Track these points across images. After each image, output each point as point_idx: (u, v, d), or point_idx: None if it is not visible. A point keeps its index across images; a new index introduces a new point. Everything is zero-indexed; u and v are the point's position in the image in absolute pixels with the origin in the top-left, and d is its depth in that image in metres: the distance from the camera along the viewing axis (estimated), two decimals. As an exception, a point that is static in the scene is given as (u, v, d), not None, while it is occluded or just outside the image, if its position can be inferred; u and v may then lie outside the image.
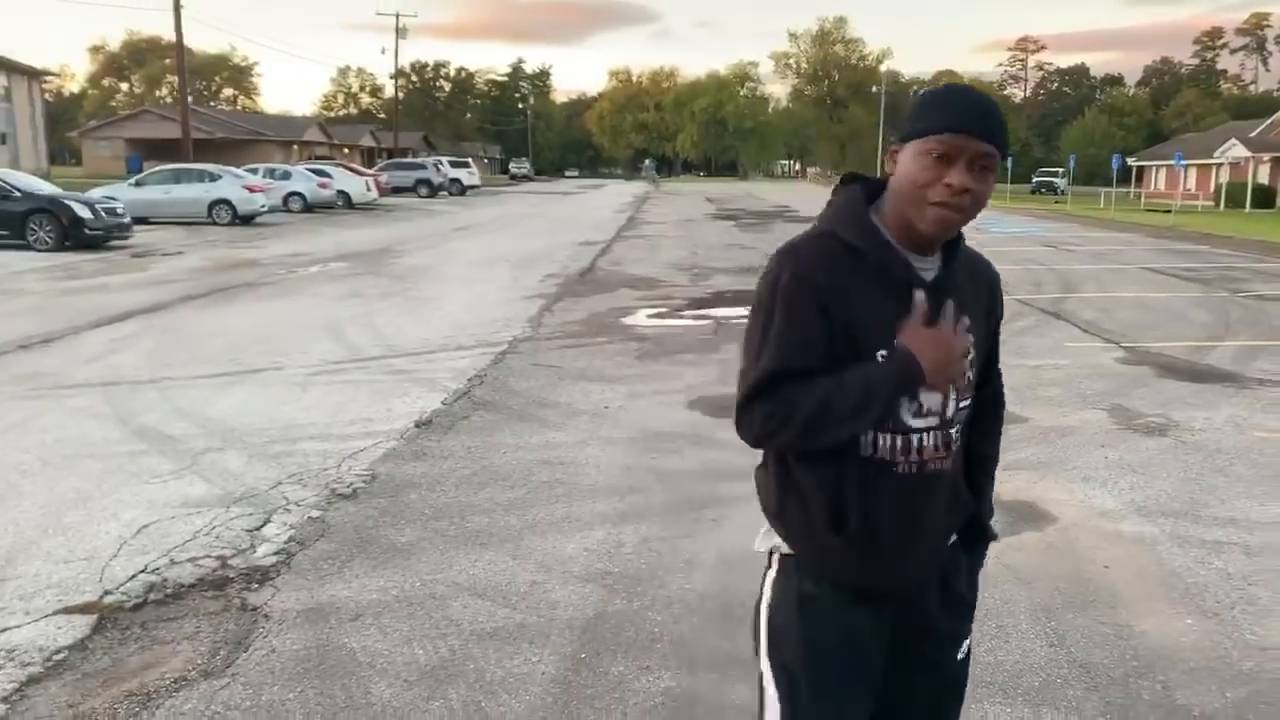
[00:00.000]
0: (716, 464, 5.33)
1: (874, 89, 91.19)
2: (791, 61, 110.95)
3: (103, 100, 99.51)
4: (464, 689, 3.04)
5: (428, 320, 10.16)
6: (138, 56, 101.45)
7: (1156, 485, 4.96)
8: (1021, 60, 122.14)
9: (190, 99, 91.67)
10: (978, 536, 1.82)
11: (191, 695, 3.01)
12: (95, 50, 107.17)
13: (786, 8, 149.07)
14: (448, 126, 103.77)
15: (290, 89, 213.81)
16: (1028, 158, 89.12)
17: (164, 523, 4.39)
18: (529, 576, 3.86)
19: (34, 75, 41.88)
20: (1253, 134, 46.82)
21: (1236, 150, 44.91)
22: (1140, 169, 57.10)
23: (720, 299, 12.11)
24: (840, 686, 1.68)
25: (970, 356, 1.63)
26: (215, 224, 24.78)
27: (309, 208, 31.10)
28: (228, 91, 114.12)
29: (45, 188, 19.19)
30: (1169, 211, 35.65)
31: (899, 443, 1.61)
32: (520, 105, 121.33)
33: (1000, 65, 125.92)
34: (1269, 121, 47.94)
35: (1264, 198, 42.65)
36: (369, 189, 34.26)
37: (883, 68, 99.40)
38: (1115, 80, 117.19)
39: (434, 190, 43.85)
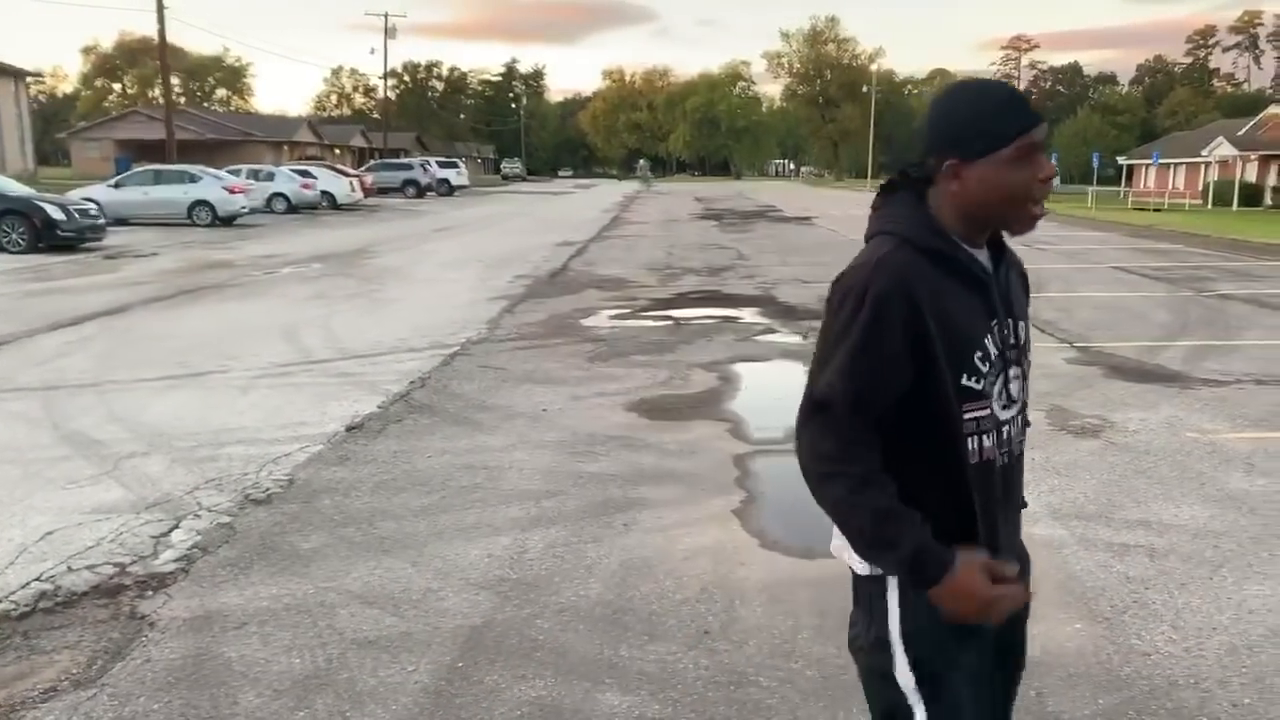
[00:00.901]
0: (641, 467, 5.31)
1: (865, 89, 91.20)
2: (784, 61, 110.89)
3: (96, 101, 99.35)
4: (332, 699, 3.02)
5: (385, 322, 10.13)
6: (130, 57, 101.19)
7: (1077, 488, 4.94)
8: (1015, 59, 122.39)
9: (183, 100, 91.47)
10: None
11: (56, 706, 2.98)
12: (88, 51, 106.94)
13: (788, 5, 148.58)
14: (441, 127, 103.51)
15: (285, 90, 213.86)
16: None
17: (70, 529, 4.36)
18: (425, 584, 3.83)
19: (19, 76, 41.68)
20: (1240, 133, 46.80)
21: (1224, 149, 44.92)
22: (1131, 168, 57.14)
23: (684, 300, 12.09)
24: (981, 679, 1.67)
25: (1028, 337, 1.70)
26: (195, 225, 24.74)
27: (293, 209, 31.08)
28: (221, 93, 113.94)
29: (18, 189, 19.12)
30: (1158, 210, 35.73)
31: (995, 439, 1.63)
32: (514, 105, 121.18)
33: (993, 64, 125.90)
34: (1256, 120, 47.94)
35: (1251, 196, 42.71)
36: (354, 189, 34.23)
37: (874, 67, 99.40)
38: (1108, 79, 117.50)
39: (421, 191, 43.84)
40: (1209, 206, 43.18)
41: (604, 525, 4.45)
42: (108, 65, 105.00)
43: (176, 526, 4.43)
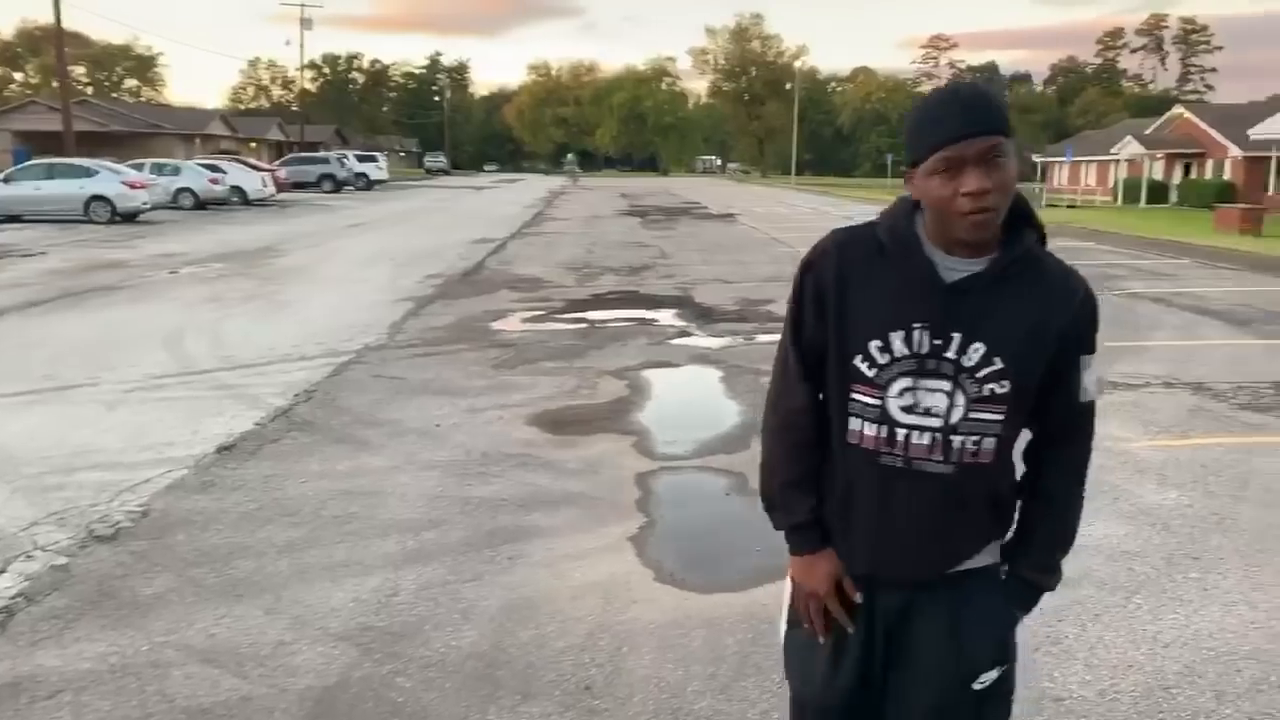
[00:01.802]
0: (537, 490, 4.95)
1: (789, 86, 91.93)
2: (709, 57, 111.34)
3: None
4: (146, 787, 2.61)
5: (280, 327, 9.58)
6: (33, 45, 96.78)
7: (990, 505, 4.73)
8: (934, 58, 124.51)
9: (90, 91, 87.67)
10: (1016, 575, 1.75)
11: None
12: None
13: (715, 2, 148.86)
14: (362, 120, 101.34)
15: (201, 82, 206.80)
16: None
17: (-126, 578, 3.83)
18: (277, 636, 3.42)
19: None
20: (1148, 131, 48.26)
21: (1132, 147, 46.23)
22: (1045, 165, 58.52)
23: (601, 301, 11.76)
24: (816, 650, 1.77)
25: (994, 367, 1.57)
26: (94, 222, 23.57)
27: (200, 205, 29.86)
28: (131, 83, 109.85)
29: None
30: (1072, 207, 36.56)
31: (883, 433, 1.62)
32: (438, 99, 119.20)
33: (913, 62, 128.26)
34: (1162, 120, 49.48)
35: (1158, 193, 44.05)
36: (265, 184, 33.06)
37: (798, 64, 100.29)
38: (1023, 78, 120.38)
39: (339, 185, 42.68)
40: (1119, 203, 44.40)
41: (487, 560, 4.08)
42: (8, 53, 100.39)
43: (3, 571, 3.93)
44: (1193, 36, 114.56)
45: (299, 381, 7.19)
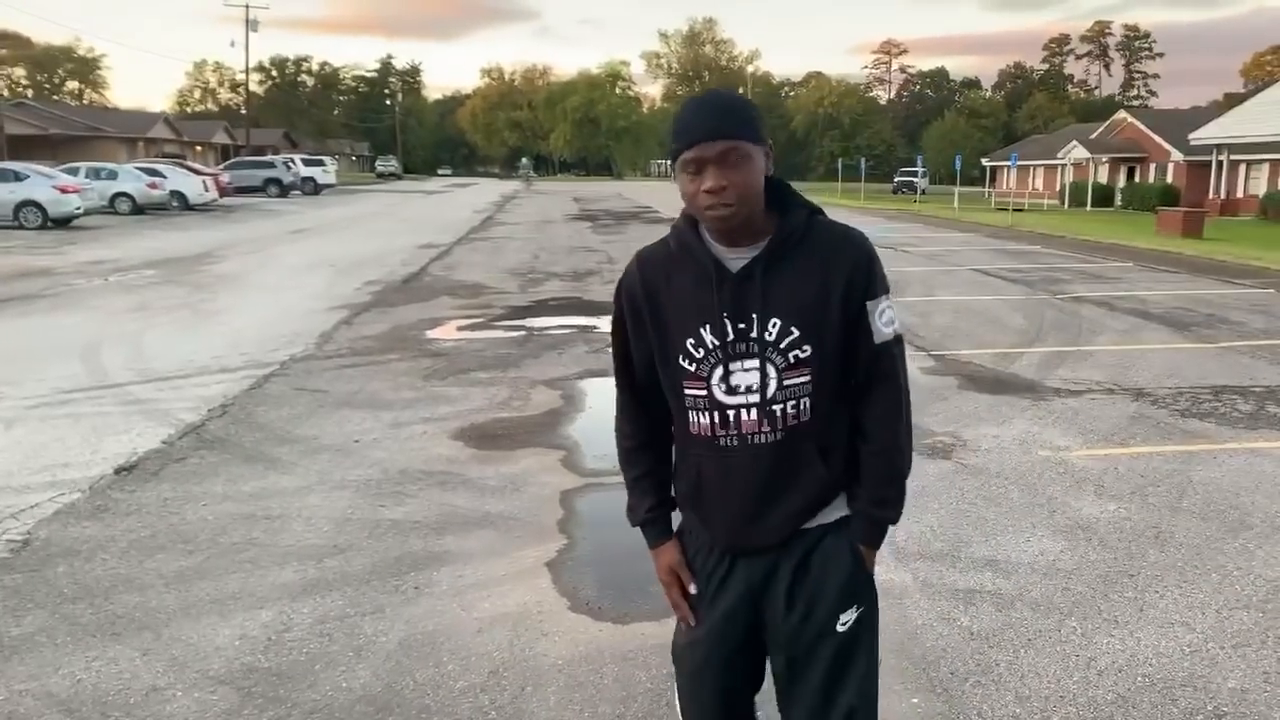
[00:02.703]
0: (453, 512, 4.69)
1: (742, 90, 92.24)
2: (663, 61, 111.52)
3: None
4: None
5: (205, 337, 9.19)
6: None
7: (924, 520, 4.56)
8: (885, 63, 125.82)
9: (30, 93, 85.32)
10: (856, 513, 1.85)
11: None
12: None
13: (670, 5, 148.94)
14: (312, 124, 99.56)
15: (146, 85, 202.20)
16: (893, 157, 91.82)
17: None
18: (151, 680, 3.14)
19: None
20: (1093, 136, 49.05)
21: (1078, 151, 46.93)
22: (994, 169, 59.27)
23: (543, 308, 11.51)
24: (701, 622, 1.92)
25: (793, 336, 1.74)
26: (24, 228, 22.81)
27: (139, 210, 29.04)
28: (72, 85, 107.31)
29: None
30: (1019, 210, 36.96)
31: (716, 418, 1.78)
32: (389, 102, 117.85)
33: (865, 67, 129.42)
34: (1106, 124, 50.32)
35: (1103, 197, 44.77)
36: (207, 189, 32.28)
37: (751, 69, 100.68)
38: (973, 84, 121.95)
39: (285, 190, 41.81)
40: (1065, 207, 45.06)
41: (391, 590, 3.82)
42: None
43: None
44: (1136, 43, 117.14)
45: (215, 395, 6.86)
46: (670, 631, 3.53)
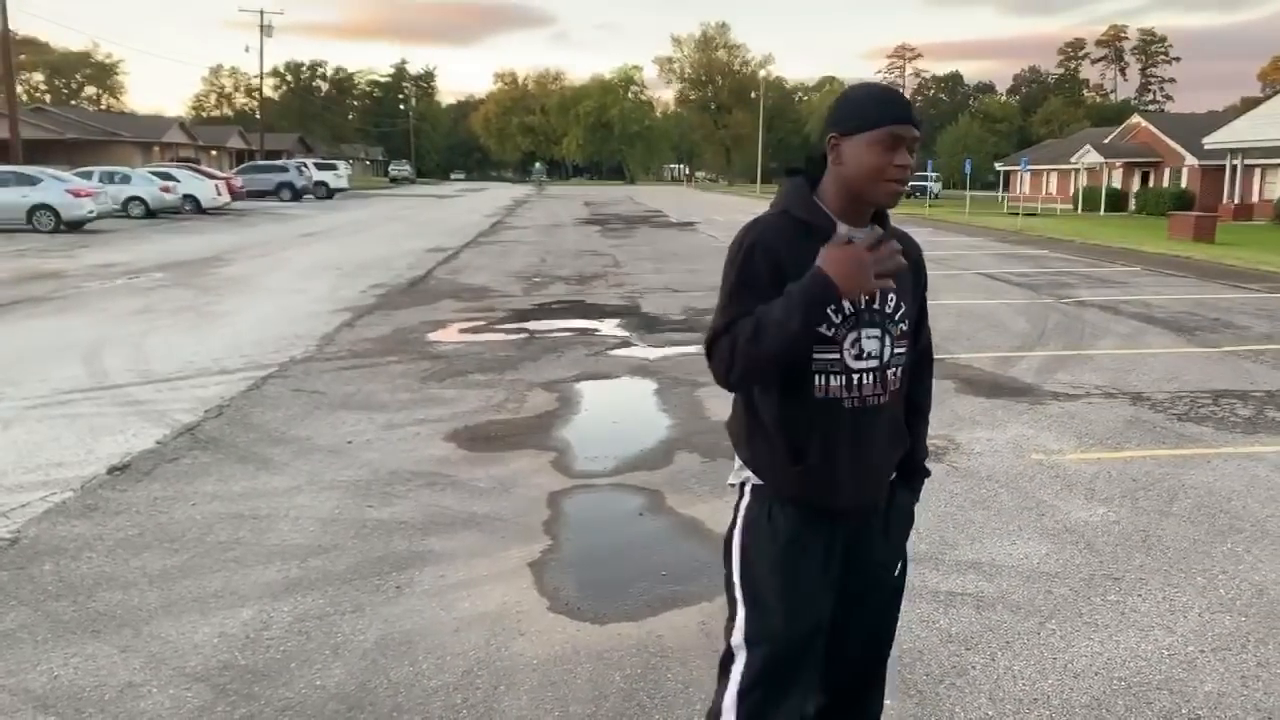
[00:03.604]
0: (442, 511, 4.70)
1: (755, 95, 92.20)
2: (675, 66, 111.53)
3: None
4: None
5: (207, 339, 9.25)
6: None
7: (911, 523, 4.54)
8: (899, 67, 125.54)
9: (49, 98, 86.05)
10: (914, 471, 2.17)
11: None
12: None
13: (688, 9, 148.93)
14: (326, 128, 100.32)
15: (163, 90, 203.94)
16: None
17: None
18: (127, 676, 3.16)
19: None
20: (1106, 140, 48.81)
21: (1091, 156, 46.72)
22: (1008, 173, 59.04)
23: (545, 311, 11.53)
24: (799, 591, 1.96)
25: (902, 310, 1.98)
26: (37, 231, 23.01)
27: (151, 213, 29.26)
28: (90, 90, 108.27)
29: None
30: (1030, 215, 36.80)
31: (844, 381, 1.91)
32: (403, 107, 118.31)
33: (879, 72, 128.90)
34: (1120, 129, 50.06)
35: (1117, 201, 44.54)
36: (219, 193, 32.48)
37: (763, 74, 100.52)
38: (988, 88, 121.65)
39: (297, 194, 42.06)
40: (1079, 211, 44.84)
41: (373, 589, 3.83)
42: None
43: None
44: (1152, 47, 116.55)
45: (212, 397, 6.90)
46: (648, 633, 3.55)
